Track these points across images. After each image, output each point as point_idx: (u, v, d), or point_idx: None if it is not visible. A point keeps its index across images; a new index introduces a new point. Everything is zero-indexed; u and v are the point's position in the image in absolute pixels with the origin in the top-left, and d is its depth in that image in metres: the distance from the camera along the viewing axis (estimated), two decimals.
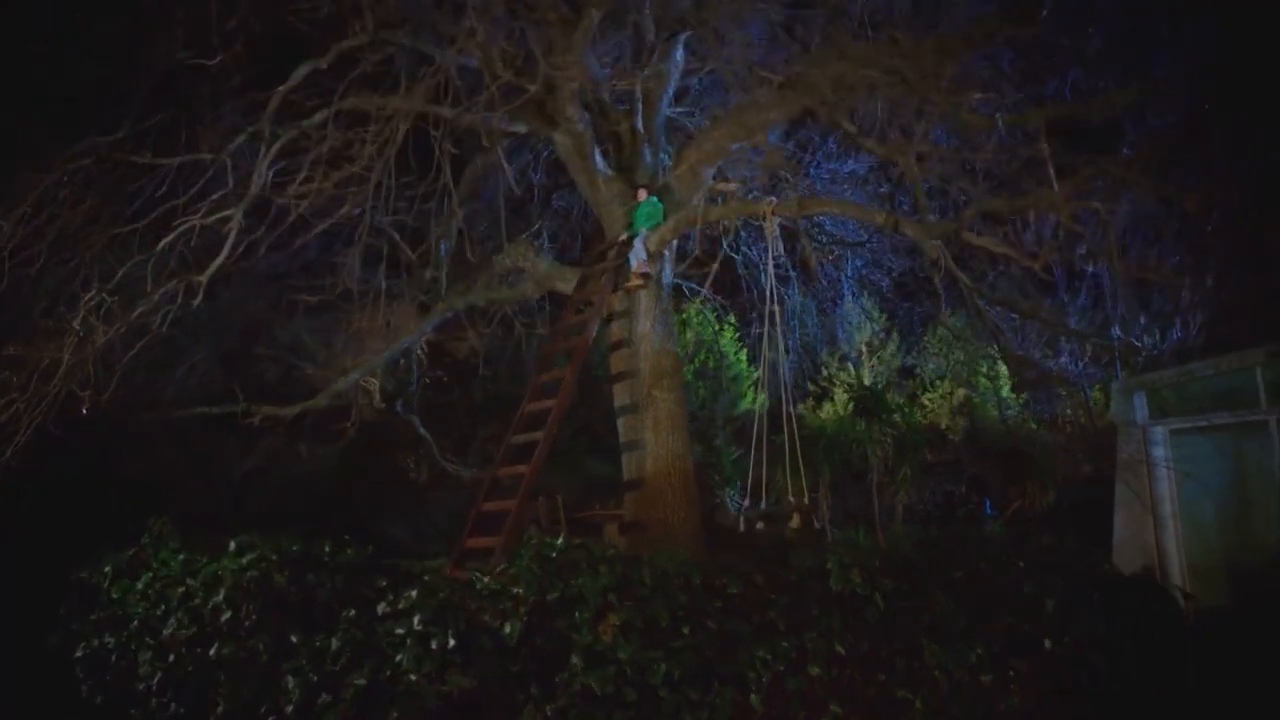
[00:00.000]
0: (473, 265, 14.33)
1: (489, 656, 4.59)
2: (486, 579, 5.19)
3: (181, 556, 7.33)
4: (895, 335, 20.34)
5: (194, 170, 9.80)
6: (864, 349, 20.66)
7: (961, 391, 19.08)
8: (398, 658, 4.77)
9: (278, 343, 14.58)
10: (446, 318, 13.02)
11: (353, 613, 5.37)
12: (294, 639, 5.23)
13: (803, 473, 8.85)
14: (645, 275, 10.56)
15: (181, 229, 8.80)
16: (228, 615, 5.41)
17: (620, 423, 10.87)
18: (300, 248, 15.89)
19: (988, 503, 17.82)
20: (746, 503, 9.18)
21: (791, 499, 8.74)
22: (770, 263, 9.45)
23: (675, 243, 10.99)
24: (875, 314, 19.84)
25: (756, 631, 4.97)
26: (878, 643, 5.61)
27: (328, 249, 16.39)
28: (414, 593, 5.28)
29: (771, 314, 9.29)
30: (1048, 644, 6.18)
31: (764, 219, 9.72)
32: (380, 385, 15.33)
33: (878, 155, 11.26)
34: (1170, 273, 9.74)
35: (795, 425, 9.12)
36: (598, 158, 11.06)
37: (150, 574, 7.37)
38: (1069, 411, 20.57)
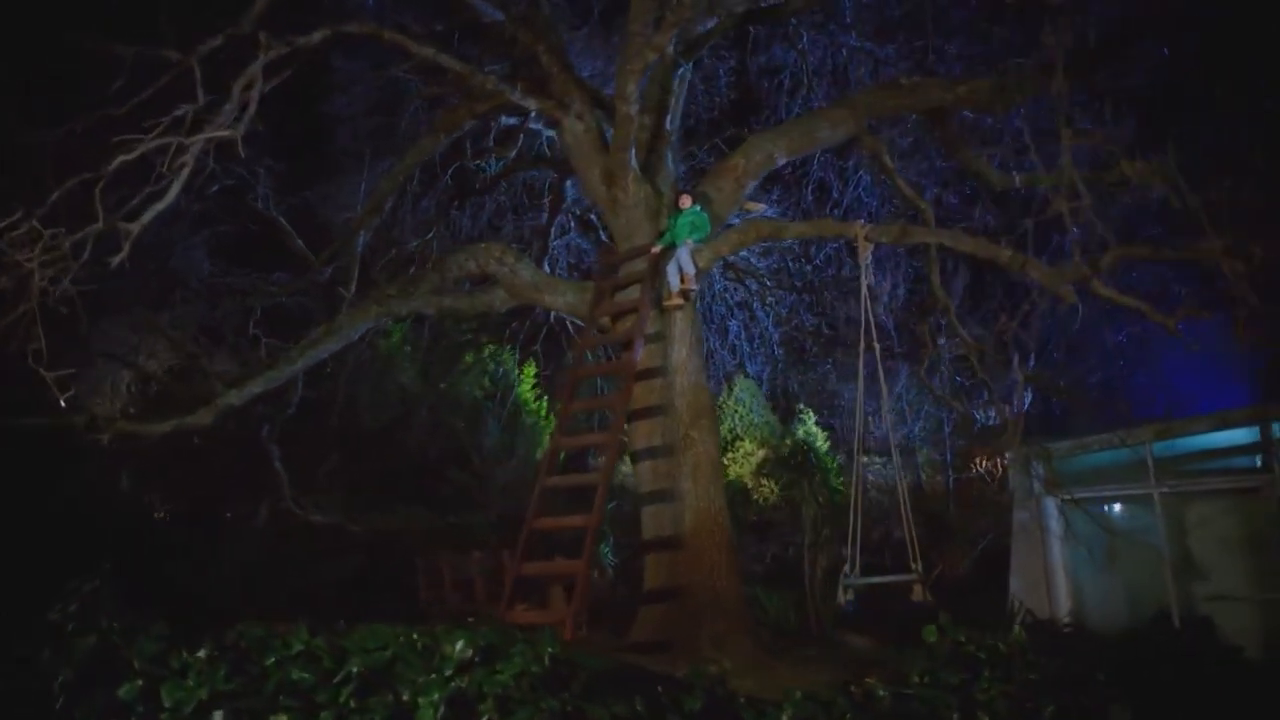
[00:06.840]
0: (413, 265, 11.80)
1: None
2: None
3: (204, 653, 4.55)
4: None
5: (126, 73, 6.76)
6: None
7: (763, 452, 18.62)
8: None
9: (110, 338, 10.91)
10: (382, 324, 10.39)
11: None
12: None
13: (914, 538, 7.68)
14: (686, 294, 8.96)
15: (151, 143, 5.84)
16: None
17: (643, 469, 8.99)
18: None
19: None
20: (846, 569, 7.79)
21: (914, 567, 7.48)
22: (865, 295, 8.27)
23: None
24: None
25: None
26: None
27: (165, 228, 12.79)
28: None
29: (869, 357, 8.10)
30: None
31: (855, 243, 8.60)
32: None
33: (905, 196, 10.62)
34: None
35: (907, 489, 7.96)
36: (633, 154, 9.31)
37: (141, 681, 4.50)
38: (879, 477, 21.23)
